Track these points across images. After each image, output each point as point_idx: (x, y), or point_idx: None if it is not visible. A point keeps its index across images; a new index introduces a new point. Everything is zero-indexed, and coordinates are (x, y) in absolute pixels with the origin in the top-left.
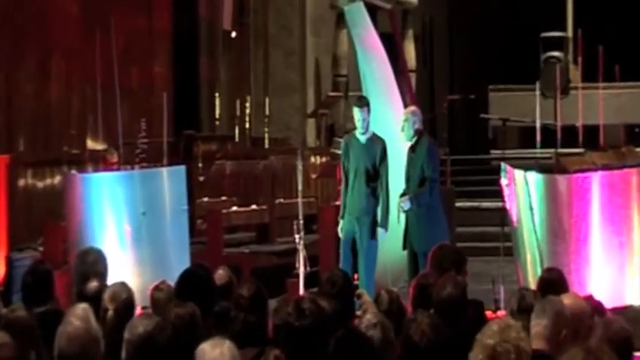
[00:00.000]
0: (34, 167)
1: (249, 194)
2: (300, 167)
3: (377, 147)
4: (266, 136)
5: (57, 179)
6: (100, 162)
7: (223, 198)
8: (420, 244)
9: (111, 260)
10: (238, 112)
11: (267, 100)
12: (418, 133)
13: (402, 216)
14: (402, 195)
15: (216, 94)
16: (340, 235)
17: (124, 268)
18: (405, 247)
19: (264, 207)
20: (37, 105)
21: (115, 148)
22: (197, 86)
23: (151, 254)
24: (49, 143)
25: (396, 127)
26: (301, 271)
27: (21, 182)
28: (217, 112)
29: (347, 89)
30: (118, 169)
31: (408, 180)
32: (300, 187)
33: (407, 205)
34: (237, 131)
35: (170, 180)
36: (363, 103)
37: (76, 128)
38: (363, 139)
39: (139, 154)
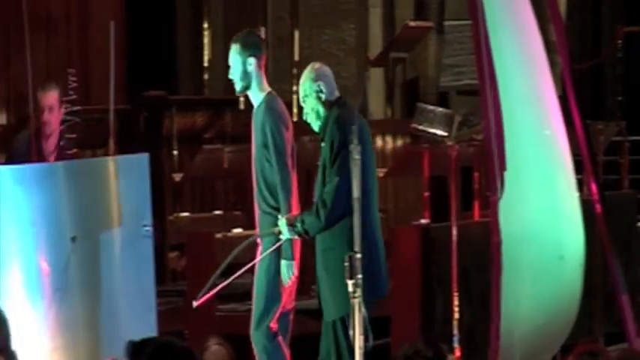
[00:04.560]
0: None
1: None
2: (356, 157)
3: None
4: (294, 99)
5: None
6: None
7: (217, 212)
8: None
9: (15, 323)
10: None
11: (295, 35)
12: (328, 106)
13: None
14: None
15: (204, 25)
16: None
17: (41, 339)
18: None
19: None
20: None
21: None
22: (170, 11)
23: (87, 314)
24: None
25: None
26: (358, 345)
27: None
28: (206, 56)
29: (440, 14)
30: (25, 159)
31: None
32: (356, 194)
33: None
34: None
35: (122, 178)
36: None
37: None
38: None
39: (64, 132)
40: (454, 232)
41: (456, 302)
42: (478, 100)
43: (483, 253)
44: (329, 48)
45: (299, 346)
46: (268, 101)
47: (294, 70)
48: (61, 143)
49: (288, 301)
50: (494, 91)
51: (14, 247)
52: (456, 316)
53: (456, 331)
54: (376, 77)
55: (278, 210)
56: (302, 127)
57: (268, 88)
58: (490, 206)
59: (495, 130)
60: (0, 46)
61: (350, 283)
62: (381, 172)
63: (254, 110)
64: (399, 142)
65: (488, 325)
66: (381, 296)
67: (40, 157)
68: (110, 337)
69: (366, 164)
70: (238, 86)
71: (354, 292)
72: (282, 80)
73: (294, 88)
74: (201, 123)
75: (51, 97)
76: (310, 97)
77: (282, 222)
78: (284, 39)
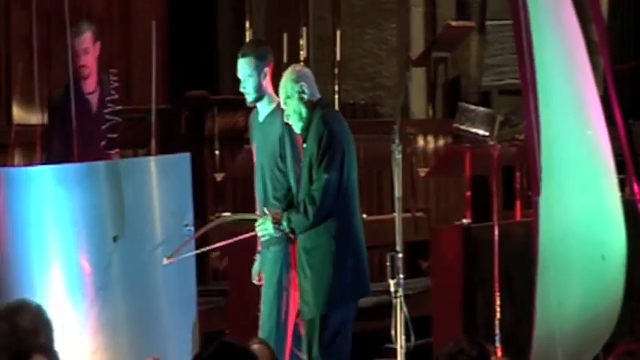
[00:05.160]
0: None
1: None
2: (397, 156)
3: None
4: (336, 99)
5: None
6: (36, 145)
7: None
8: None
9: (58, 324)
10: (286, 58)
11: (337, 34)
12: (311, 107)
13: None
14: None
15: (246, 25)
16: None
17: (83, 339)
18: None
19: None
20: None
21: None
22: (212, 11)
23: (129, 314)
24: None
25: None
26: (400, 344)
27: None
28: None
29: (482, 14)
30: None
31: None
32: (397, 193)
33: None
34: None
35: (164, 178)
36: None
37: None
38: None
39: (105, 132)
40: (496, 231)
41: (497, 302)
42: (520, 100)
43: (525, 253)
44: (371, 48)
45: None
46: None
47: (336, 70)
48: (103, 143)
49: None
50: (535, 91)
51: (56, 247)
52: (498, 315)
53: (497, 331)
54: (418, 77)
55: None
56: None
57: (277, 98)
58: (532, 206)
59: (537, 130)
60: (41, 45)
61: (392, 282)
62: (422, 172)
63: (258, 119)
64: (441, 142)
65: (530, 324)
66: (365, 295)
67: (81, 101)
68: (151, 336)
69: (350, 167)
70: (251, 97)
71: (396, 291)
72: (323, 80)
73: (336, 87)
74: (243, 123)
75: (85, 39)
76: (292, 99)
77: (267, 220)
78: (325, 39)
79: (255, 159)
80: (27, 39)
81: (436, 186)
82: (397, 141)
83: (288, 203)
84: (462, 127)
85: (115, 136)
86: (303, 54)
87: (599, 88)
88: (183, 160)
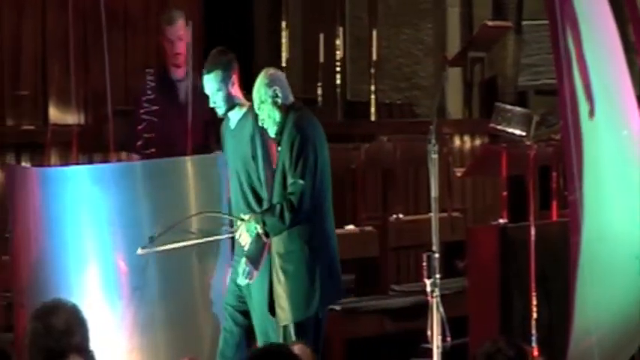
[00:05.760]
0: None
1: (342, 205)
2: (434, 156)
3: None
4: (372, 99)
5: None
6: (72, 145)
7: None
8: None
9: (94, 324)
10: (322, 57)
11: (373, 34)
12: (284, 110)
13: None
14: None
15: (283, 23)
16: None
17: (119, 339)
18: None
19: (368, 228)
20: None
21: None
22: (248, 11)
23: (165, 314)
24: None
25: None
26: (436, 344)
27: None
28: (284, 55)
29: (519, 14)
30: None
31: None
32: (434, 193)
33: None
34: (319, 91)
35: (200, 178)
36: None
37: (28, 87)
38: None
39: (141, 131)
40: (532, 231)
41: (534, 302)
42: (556, 100)
43: (561, 253)
44: (407, 47)
45: (376, 346)
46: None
47: (372, 70)
48: (139, 143)
49: None
50: (571, 92)
51: (92, 247)
52: (535, 315)
53: (534, 331)
54: (454, 77)
55: None
56: (379, 126)
57: (247, 102)
58: (568, 206)
59: (573, 130)
60: (77, 46)
61: (428, 282)
62: (459, 172)
63: (229, 125)
64: (477, 142)
65: (567, 324)
66: (339, 299)
67: (172, 89)
68: (187, 337)
69: (323, 171)
70: (222, 110)
71: (433, 291)
72: (359, 80)
73: (373, 88)
74: None
75: (179, 27)
76: (266, 103)
77: (249, 224)
78: (362, 39)
79: (229, 167)
80: (63, 39)
81: (472, 186)
82: (433, 141)
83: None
84: (499, 127)
85: (151, 135)
86: (339, 54)
87: (636, 88)
88: (219, 159)
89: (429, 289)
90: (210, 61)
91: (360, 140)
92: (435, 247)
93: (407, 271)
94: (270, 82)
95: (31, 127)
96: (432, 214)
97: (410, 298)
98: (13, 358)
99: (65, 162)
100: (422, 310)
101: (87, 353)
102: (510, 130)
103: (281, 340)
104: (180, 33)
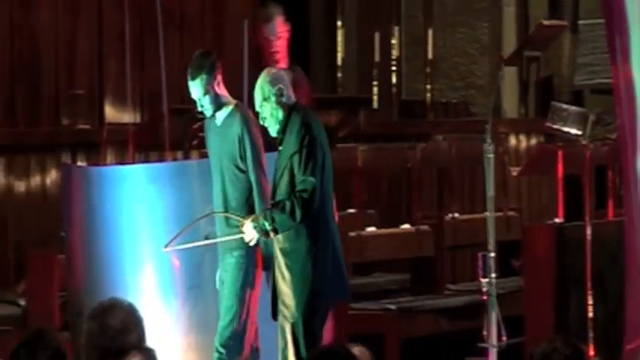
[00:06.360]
0: (7, 155)
1: (397, 204)
2: (489, 155)
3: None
4: (427, 98)
5: (51, 176)
6: (129, 143)
7: (351, 210)
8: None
9: (150, 322)
10: (378, 56)
11: (429, 33)
12: (287, 110)
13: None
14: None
15: (338, 23)
16: None
17: (175, 338)
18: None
19: (424, 227)
20: (9, 45)
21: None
22: (304, 10)
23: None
24: (34, 112)
25: None
26: (492, 344)
27: None
28: (339, 54)
29: (574, 13)
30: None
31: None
32: (490, 192)
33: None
34: (375, 90)
35: None
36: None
37: (84, 86)
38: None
39: (196, 131)
40: (588, 231)
41: (589, 301)
42: (612, 99)
43: (617, 252)
44: (463, 47)
45: (431, 345)
46: (242, 112)
47: (428, 69)
48: (194, 142)
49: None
50: (629, 90)
51: (148, 245)
52: (590, 315)
53: (589, 331)
54: (510, 76)
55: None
56: (435, 125)
57: (234, 100)
58: (625, 205)
59: (629, 129)
60: (134, 45)
61: (484, 281)
62: (514, 171)
63: (215, 122)
64: (533, 141)
65: (623, 324)
66: (345, 298)
67: None
68: None
69: (327, 170)
70: (210, 111)
71: (488, 290)
72: (415, 79)
73: (428, 86)
74: (335, 122)
75: (277, 24)
76: (269, 101)
77: (251, 224)
78: (417, 38)
79: (211, 164)
80: (119, 38)
81: (528, 185)
82: (489, 140)
83: (249, 204)
84: (555, 126)
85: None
86: (395, 53)
87: None
88: (270, 159)
89: (484, 288)
90: (193, 66)
91: (415, 139)
92: (490, 247)
93: (462, 270)
94: (274, 80)
95: (87, 127)
96: (487, 214)
97: (465, 297)
98: (68, 358)
99: (121, 161)
100: (477, 309)
101: (148, 352)
102: (566, 129)
103: (281, 340)
104: (279, 30)
